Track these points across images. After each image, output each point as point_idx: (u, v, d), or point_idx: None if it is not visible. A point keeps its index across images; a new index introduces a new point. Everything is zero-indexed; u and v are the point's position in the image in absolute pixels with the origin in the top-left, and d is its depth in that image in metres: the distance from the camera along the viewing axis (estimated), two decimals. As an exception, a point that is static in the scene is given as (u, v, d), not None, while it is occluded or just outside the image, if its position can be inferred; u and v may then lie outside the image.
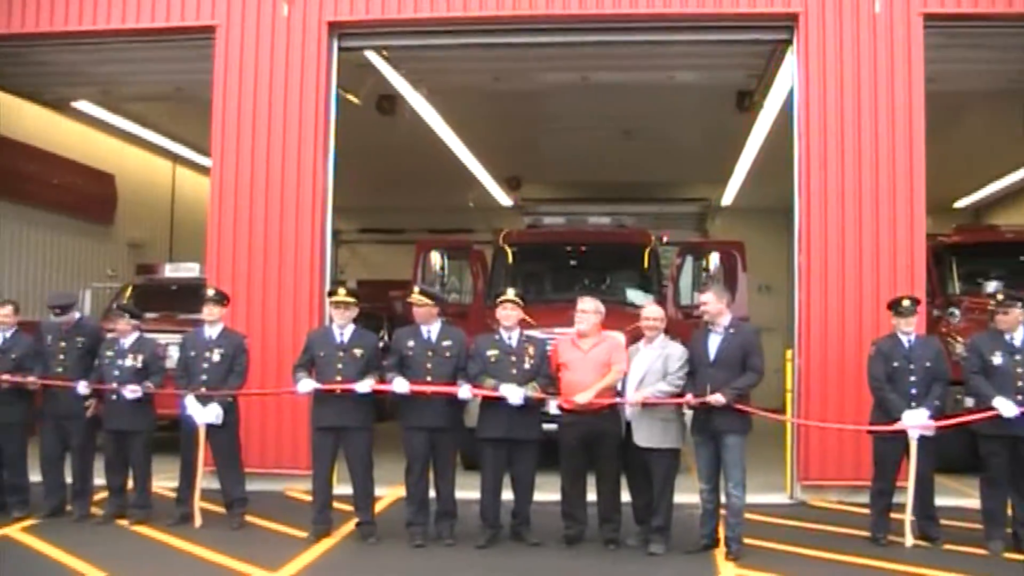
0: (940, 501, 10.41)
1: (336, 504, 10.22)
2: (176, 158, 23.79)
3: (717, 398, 9.20)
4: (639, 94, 17.35)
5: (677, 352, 9.69)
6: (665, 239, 17.99)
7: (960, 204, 26.90)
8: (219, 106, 13.22)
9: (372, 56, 14.84)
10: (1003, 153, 21.79)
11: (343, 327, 10.10)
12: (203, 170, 20.48)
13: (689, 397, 9.44)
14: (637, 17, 12.95)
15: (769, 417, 10.54)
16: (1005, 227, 18.23)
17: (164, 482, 11.26)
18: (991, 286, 14.27)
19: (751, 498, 9.83)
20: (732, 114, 17.44)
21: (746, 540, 9.51)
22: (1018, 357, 9.69)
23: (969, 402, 10.56)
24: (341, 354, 9.99)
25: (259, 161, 13.06)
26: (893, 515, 10.04)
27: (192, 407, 10.34)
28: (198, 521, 10.41)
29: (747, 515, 9.67)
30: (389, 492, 11.25)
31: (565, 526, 9.92)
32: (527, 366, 9.88)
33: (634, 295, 15.30)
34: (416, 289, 10.70)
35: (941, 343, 10.99)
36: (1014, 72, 15.72)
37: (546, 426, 10.11)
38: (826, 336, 12.27)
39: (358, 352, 10.02)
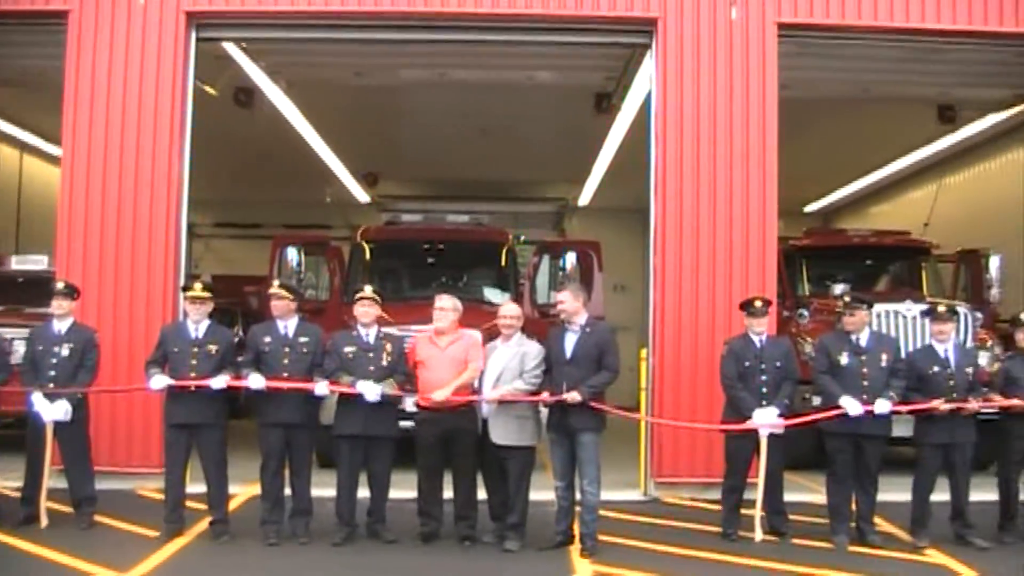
0: (788, 497, 10.64)
1: (189, 503, 10.04)
2: (24, 147, 23.07)
3: (573, 396, 9.28)
4: (498, 93, 17.39)
5: (534, 350, 9.75)
6: (523, 237, 18.08)
7: (810, 208, 27.64)
8: (71, 94, 12.82)
9: (231, 48, 14.62)
10: (852, 160, 22.50)
11: (198, 322, 9.93)
12: (53, 160, 19.87)
13: (545, 395, 9.51)
14: (497, 17, 12.98)
15: (624, 415, 10.67)
16: (852, 231, 18.75)
17: (9, 481, 10.92)
18: (838, 288, 14.68)
19: (606, 495, 9.92)
20: (590, 115, 17.60)
21: (601, 536, 9.61)
22: (864, 357, 9.98)
23: (817, 401, 10.86)
24: (195, 350, 9.81)
25: (112, 151, 12.71)
26: (743, 511, 10.26)
27: (39, 404, 10.00)
28: (44, 521, 10.06)
29: (602, 512, 9.78)
30: (243, 490, 11.09)
31: (421, 523, 9.90)
32: (384, 363, 9.83)
33: (491, 293, 15.35)
34: (276, 283, 10.57)
35: (791, 343, 11.27)
36: (865, 82, 16.20)
37: (403, 423, 10.10)
38: (680, 335, 12.48)
39: (213, 348, 9.86)
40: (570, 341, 9.56)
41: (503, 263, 16.24)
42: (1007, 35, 13.29)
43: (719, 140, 12.67)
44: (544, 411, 9.78)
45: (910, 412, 9.98)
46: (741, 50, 12.79)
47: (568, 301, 9.68)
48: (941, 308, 10.36)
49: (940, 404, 9.79)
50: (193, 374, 9.72)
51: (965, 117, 18.74)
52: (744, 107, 12.71)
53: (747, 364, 10.15)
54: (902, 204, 24.40)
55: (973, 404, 9.93)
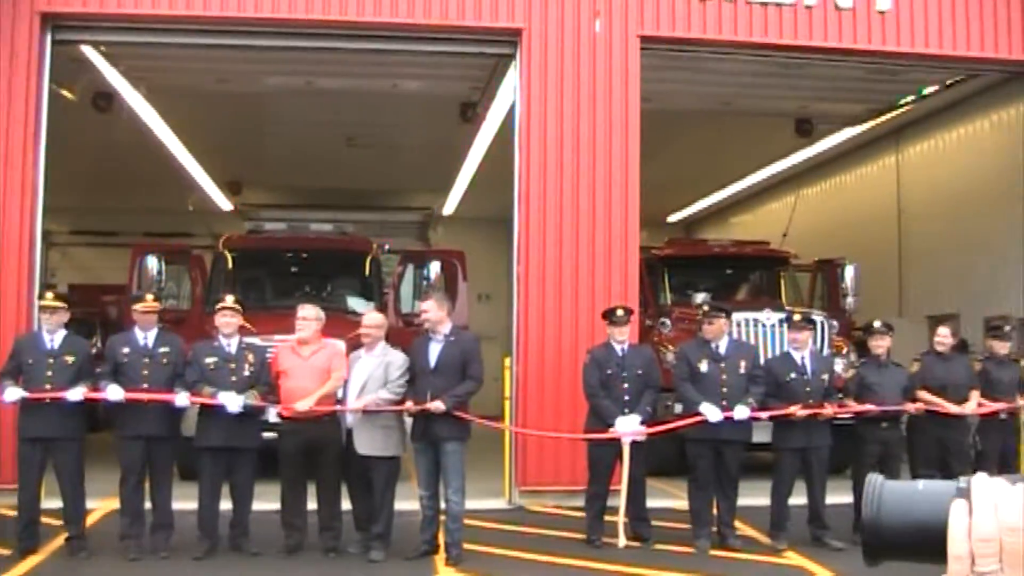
0: (651, 503, 10.83)
1: (44, 518, 9.77)
2: None
3: (437, 405, 9.28)
4: (363, 101, 17.34)
5: (398, 360, 9.73)
6: (387, 247, 18.02)
7: (674, 218, 28.06)
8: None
9: (89, 51, 14.29)
10: (714, 171, 22.93)
11: (53, 333, 9.68)
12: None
13: (409, 404, 9.49)
14: (363, 25, 12.92)
15: (488, 425, 10.71)
16: (713, 241, 19.13)
17: None
18: (699, 297, 14.93)
19: (471, 504, 9.96)
20: (455, 124, 17.62)
21: (466, 545, 9.63)
22: (723, 365, 10.18)
23: (679, 408, 11.03)
24: (51, 361, 9.55)
25: (-37, 157, 12.33)
26: (607, 517, 10.37)
27: None
28: None
29: (467, 521, 9.80)
30: (101, 504, 10.83)
31: (285, 535, 9.79)
32: (246, 373, 9.73)
33: (355, 302, 15.24)
34: (149, 296, 10.33)
35: (653, 351, 11.43)
36: (726, 95, 16.53)
37: (266, 434, 10.00)
38: (543, 344, 12.57)
39: (69, 359, 9.61)
40: (434, 350, 9.57)
41: (367, 272, 16.15)
42: (861, 52, 13.69)
43: (582, 151, 12.80)
44: (409, 421, 9.78)
45: (769, 418, 10.20)
46: (604, 62, 12.94)
47: (432, 310, 9.69)
48: (797, 317, 10.66)
49: (797, 410, 10.03)
50: (48, 386, 9.45)
51: (822, 131, 19.27)
52: (607, 118, 12.86)
53: (609, 372, 10.27)
54: (763, 215, 24.97)
55: (829, 410, 10.20)
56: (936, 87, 16.87)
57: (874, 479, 1.18)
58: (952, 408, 10.71)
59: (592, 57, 12.94)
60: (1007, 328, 12.60)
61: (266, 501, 10.11)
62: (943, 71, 15.58)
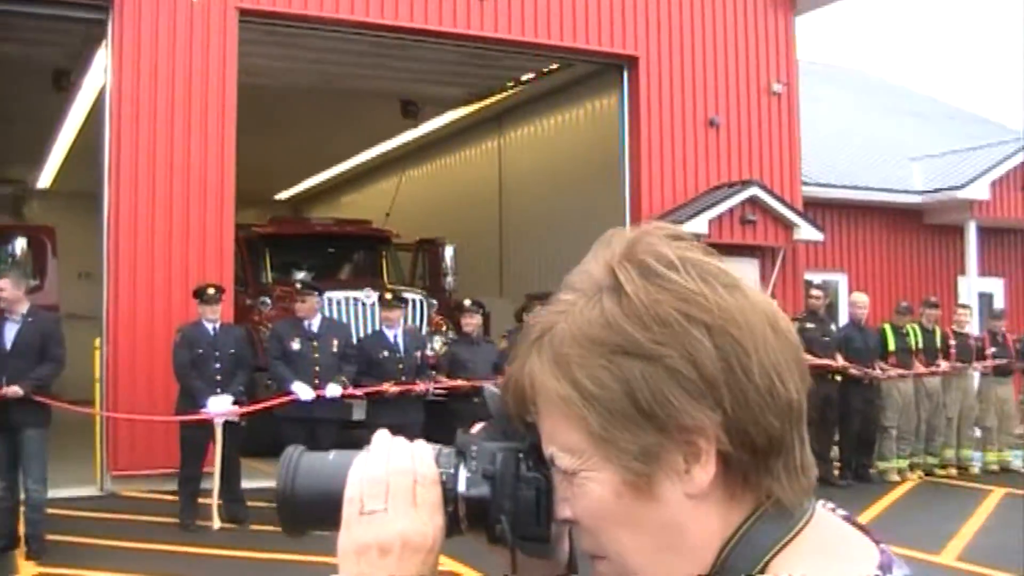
0: (247, 483, 10.69)
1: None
2: None
3: (14, 390, 8.78)
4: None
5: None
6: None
7: (282, 196, 27.84)
8: None
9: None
10: (322, 149, 22.89)
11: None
12: None
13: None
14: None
15: (74, 409, 10.27)
16: (316, 220, 19.09)
17: None
18: (299, 275, 14.87)
19: (58, 492, 9.59)
20: (48, 93, 16.75)
21: (50, 536, 9.17)
22: (315, 343, 10.20)
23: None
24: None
25: None
26: (201, 500, 10.19)
27: None
28: None
29: (53, 510, 9.40)
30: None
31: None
32: None
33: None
34: None
35: (248, 330, 11.32)
36: (329, 73, 16.52)
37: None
38: (135, 324, 12.16)
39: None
40: (10, 331, 9.04)
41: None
42: (461, 36, 14.04)
43: (176, 125, 12.47)
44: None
45: (362, 396, 10.31)
46: (201, 34, 12.66)
47: (8, 289, 9.12)
48: (388, 296, 10.82)
49: (390, 387, 10.18)
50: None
51: (427, 113, 19.62)
52: (203, 92, 12.59)
53: (200, 352, 10.08)
54: (372, 194, 25.13)
55: (421, 386, 10.41)
56: (534, 75, 17.52)
57: (291, 451, 1.18)
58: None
59: (189, 28, 12.62)
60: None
61: None
62: (540, 60, 16.21)
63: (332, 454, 1.18)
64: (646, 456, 0.98)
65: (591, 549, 1.06)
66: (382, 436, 1.13)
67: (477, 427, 1.15)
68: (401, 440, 1.12)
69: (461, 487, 1.09)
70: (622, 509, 1.01)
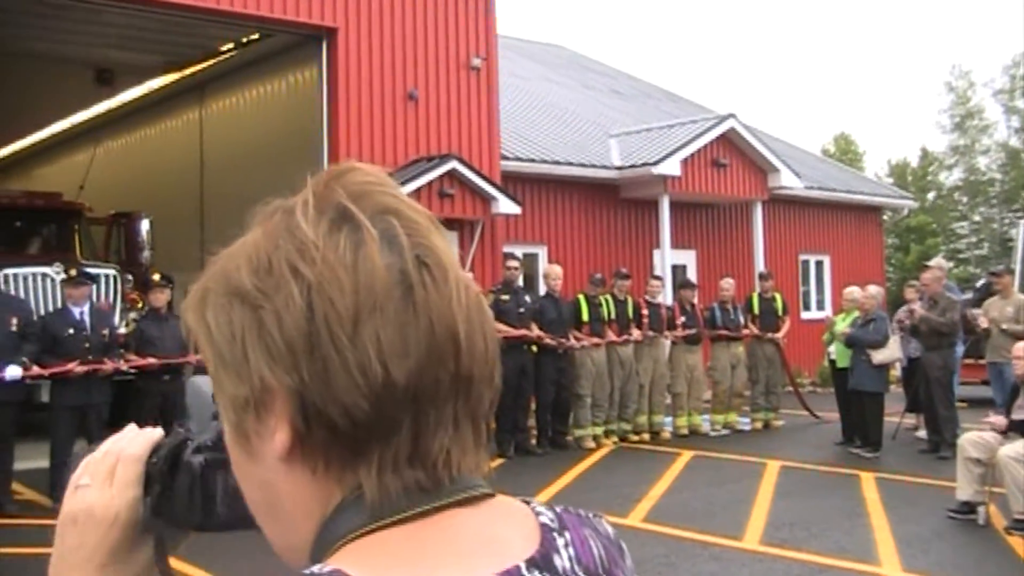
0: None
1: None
2: None
3: None
4: None
5: None
6: None
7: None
8: None
9: None
10: (8, 118, 21.71)
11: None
12: None
13: None
14: None
15: None
16: (2, 192, 17.97)
17: None
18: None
19: None
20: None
21: None
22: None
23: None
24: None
25: None
26: None
27: None
28: None
29: None
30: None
31: None
32: None
33: None
34: None
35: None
36: (12, 36, 15.73)
37: None
38: None
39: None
40: None
41: None
42: (155, 2, 13.60)
43: None
44: None
45: (47, 376, 9.90)
46: None
47: None
48: (72, 272, 10.44)
49: (75, 366, 9.82)
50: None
51: (124, 82, 18.98)
52: None
53: None
54: (67, 166, 24.04)
55: (109, 365, 10.09)
56: (233, 45, 17.19)
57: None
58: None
59: None
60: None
61: None
62: (239, 29, 15.90)
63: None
64: (240, 406, 0.95)
65: None
66: (129, 426, 1.16)
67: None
68: (145, 429, 1.14)
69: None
70: (236, 459, 0.99)
